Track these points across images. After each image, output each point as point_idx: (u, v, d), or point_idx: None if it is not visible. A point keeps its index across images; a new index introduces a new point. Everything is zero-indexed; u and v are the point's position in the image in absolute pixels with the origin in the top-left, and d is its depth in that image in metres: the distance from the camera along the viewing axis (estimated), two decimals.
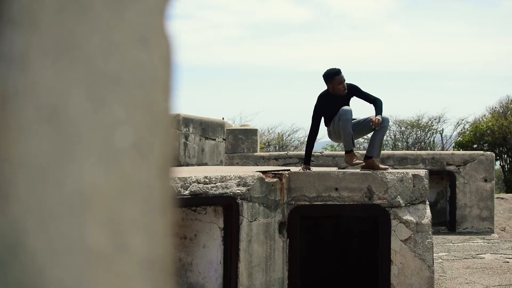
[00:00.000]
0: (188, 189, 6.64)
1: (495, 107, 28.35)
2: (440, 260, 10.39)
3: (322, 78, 8.82)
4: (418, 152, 14.36)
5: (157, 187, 0.92)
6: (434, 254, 9.29)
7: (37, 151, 0.87)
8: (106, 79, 0.88)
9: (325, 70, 8.81)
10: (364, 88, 8.96)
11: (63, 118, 0.87)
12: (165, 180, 0.93)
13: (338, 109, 8.68)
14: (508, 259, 10.55)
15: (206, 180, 6.81)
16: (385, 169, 8.48)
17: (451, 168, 13.68)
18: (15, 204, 0.87)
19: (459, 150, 24.02)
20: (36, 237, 0.87)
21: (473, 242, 12.21)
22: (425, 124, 31.41)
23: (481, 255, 10.94)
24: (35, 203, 0.87)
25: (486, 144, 26.05)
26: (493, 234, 13.20)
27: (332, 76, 8.73)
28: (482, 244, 12.05)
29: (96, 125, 0.88)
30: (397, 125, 31.63)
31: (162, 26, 0.93)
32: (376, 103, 8.86)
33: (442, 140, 31.13)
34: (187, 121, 14.99)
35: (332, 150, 28.50)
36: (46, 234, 0.87)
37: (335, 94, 8.72)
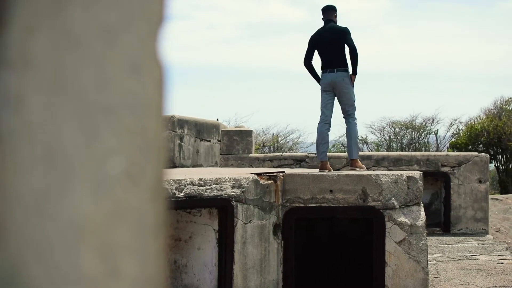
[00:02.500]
0: (183, 191, 6.64)
1: (490, 108, 28.44)
2: (435, 262, 10.41)
3: (335, 8, 9.75)
4: (413, 153, 14.39)
5: (149, 211, 0.93)
6: (429, 255, 9.31)
7: (32, 187, 0.89)
8: (98, 110, 0.90)
9: (328, 5, 9.77)
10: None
11: (57, 153, 0.89)
12: (157, 204, 0.94)
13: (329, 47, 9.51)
14: (502, 260, 10.57)
15: (201, 182, 6.82)
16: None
17: (446, 169, 13.71)
18: (13, 239, 0.89)
19: (454, 151, 24.07)
20: (33, 269, 0.88)
21: (468, 243, 12.23)
22: (419, 125, 31.46)
23: (475, 256, 10.97)
24: (32, 237, 0.89)
25: (481, 145, 26.09)
26: (487, 235, 13.22)
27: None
28: (477, 245, 12.07)
29: (89, 157, 0.89)
30: (391, 126, 31.68)
31: (155, 52, 0.94)
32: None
33: (436, 140, 31.17)
34: (181, 123, 15.01)
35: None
36: (42, 266, 0.88)
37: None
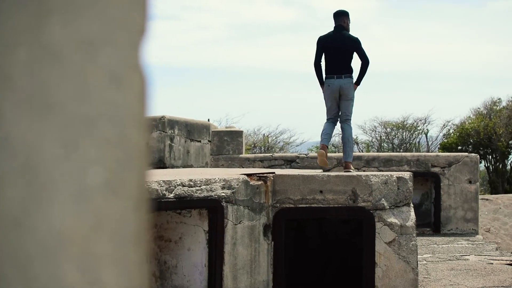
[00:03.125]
0: (173, 192, 6.64)
1: (479, 109, 28.49)
2: (425, 262, 10.43)
3: (348, 14, 10.02)
4: (403, 154, 14.42)
5: (130, 220, 0.93)
6: (419, 256, 9.33)
7: (12, 200, 0.89)
8: (78, 122, 0.90)
9: (341, 10, 10.06)
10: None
11: (36, 166, 0.89)
12: (139, 213, 0.94)
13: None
14: (492, 261, 10.60)
15: (191, 183, 6.81)
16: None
17: (436, 169, 13.74)
18: None
19: (444, 152, 24.11)
20: (13, 281, 0.88)
21: (458, 244, 12.26)
22: (410, 125, 31.47)
23: (465, 256, 10.99)
24: (12, 250, 0.89)
25: (471, 146, 26.15)
26: (477, 236, 13.26)
27: None
28: (467, 245, 12.10)
29: (69, 168, 0.90)
30: (382, 126, 31.69)
31: (136, 62, 0.94)
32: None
33: (427, 141, 31.20)
34: (172, 123, 14.99)
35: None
36: (23, 278, 0.89)
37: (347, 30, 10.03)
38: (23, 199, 0.89)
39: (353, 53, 9.77)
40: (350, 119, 9.90)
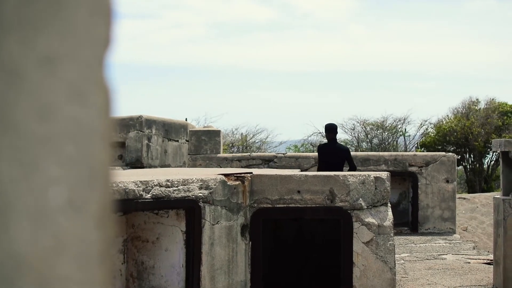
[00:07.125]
0: (150, 192, 6.60)
1: (458, 108, 28.61)
2: (402, 261, 10.45)
3: (337, 127, 12.32)
4: (381, 153, 14.47)
5: (93, 240, 0.91)
6: (396, 255, 9.35)
7: None
8: (38, 141, 0.88)
9: (331, 125, 12.27)
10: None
11: None
12: (103, 232, 0.92)
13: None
14: (469, 260, 10.65)
15: (168, 183, 6.78)
16: None
17: (413, 169, 13.79)
18: None
19: (423, 151, 24.21)
20: None
21: (435, 243, 12.31)
22: (390, 125, 31.51)
23: (442, 255, 11.04)
24: None
25: (449, 145, 26.27)
26: (454, 235, 13.32)
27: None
28: (444, 244, 12.15)
29: (28, 189, 0.87)
30: (361, 126, 31.72)
31: (100, 77, 0.92)
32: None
33: (404, 140, 31.29)
34: (149, 123, 14.96)
35: (295, 151, 28.54)
36: None
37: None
38: None
39: (344, 161, 11.77)
40: None
